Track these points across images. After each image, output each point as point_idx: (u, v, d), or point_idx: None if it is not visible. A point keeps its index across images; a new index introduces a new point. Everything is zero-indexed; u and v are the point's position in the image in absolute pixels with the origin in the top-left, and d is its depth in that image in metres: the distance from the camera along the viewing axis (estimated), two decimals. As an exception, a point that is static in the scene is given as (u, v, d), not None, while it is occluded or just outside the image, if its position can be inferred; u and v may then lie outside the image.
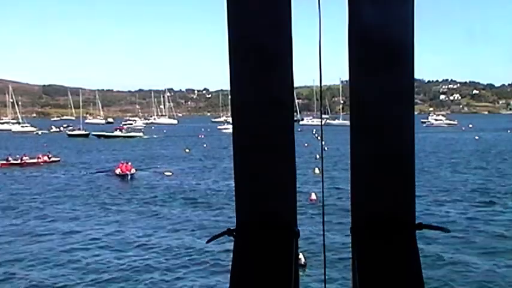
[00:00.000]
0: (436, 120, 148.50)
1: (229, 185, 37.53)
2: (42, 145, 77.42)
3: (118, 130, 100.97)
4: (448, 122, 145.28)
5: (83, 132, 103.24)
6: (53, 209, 30.84)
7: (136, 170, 44.20)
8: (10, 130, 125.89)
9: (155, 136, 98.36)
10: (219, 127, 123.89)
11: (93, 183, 40.29)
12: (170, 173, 44.96)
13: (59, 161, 53.49)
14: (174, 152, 66.57)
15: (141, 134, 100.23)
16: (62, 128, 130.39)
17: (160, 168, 48.65)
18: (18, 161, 51.18)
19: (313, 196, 29.23)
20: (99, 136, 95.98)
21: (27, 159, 51.69)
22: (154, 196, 34.40)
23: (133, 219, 28.01)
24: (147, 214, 29.13)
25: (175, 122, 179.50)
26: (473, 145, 72.93)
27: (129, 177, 41.55)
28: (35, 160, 51.69)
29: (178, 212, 29.69)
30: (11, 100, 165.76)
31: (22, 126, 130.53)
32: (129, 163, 44.44)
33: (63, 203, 32.53)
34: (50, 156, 53.88)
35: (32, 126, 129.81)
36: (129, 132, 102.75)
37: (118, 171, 42.44)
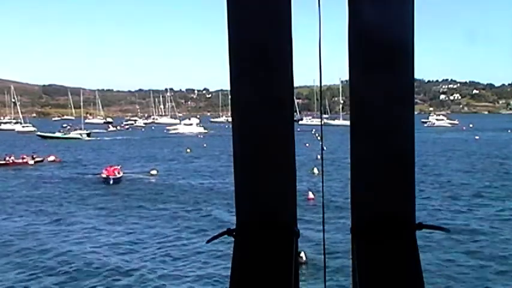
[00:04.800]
0: (437, 120, 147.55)
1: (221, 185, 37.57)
2: (43, 145, 77.56)
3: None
4: (449, 121, 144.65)
5: (84, 132, 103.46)
6: (16, 210, 30.54)
7: (124, 173, 42.49)
8: (13, 130, 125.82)
9: (106, 138, 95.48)
10: (167, 127, 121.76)
11: (71, 186, 39.26)
12: (155, 172, 45.02)
13: (42, 160, 54.09)
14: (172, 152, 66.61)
15: (84, 136, 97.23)
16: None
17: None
18: (2, 161, 51.92)
19: (311, 195, 29.26)
20: (43, 137, 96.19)
21: (9, 160, 52.30)
22: (134, 199, 33.49)
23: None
24: (131, 215, 28.64)
25: (177, 121, 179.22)
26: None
27: (111, 181, 39.33)
28: (20, 160, 52.51)
29: (170, 212, 29.37)
30: (13, 100, 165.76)
31: (23, 126, 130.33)
32: (116, 166, 42.85)
33: (28, 205, 31.96)
34: (34, 156, 54.48)
35: (33, 126, 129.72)
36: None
37: (104, 174, 40.56)
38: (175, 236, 24.29)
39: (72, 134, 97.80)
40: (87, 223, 27.01)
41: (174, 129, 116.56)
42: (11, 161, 51.93)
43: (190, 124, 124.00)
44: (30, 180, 42.48)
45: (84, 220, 27.75)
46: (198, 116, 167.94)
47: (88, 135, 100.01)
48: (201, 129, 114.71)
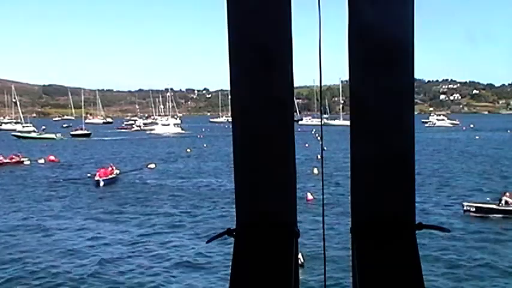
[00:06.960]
0: (438, 120, 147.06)
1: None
2: (43, 145, 77.53)
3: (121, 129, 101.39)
4: (450, 122, 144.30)
5: (85, 132, 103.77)
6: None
7: (118, 174, 41.23)
8: (15, 130, 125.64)
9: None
10: (143, 128, 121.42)
11: (51, 187, 38.33)
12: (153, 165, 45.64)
13: (29, 160, 54.43)
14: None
15: (58, 135, 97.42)
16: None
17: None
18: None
19: (310, 196, 29.14)
20: (19, 137, 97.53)
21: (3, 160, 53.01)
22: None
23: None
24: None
25: (178, 122, 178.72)
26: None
27: (101, 183, 37.90)
28: (7, 160, 53.28)
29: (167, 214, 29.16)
30: (13, 100, 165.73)
31: (24, 126, 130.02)
32: (109, 167, 41.70)
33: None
34: (19, 155, 55.34)
35: (33, 126, 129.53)
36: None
37: (97, 176, 39.04)
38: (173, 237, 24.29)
39: (47, 135, 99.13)
40: (70, 227, 26.44)
41: (151, 129, 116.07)
42: (2, 161, 52.38)
43: (168, 124, 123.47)
44: (14, 181, 42.15)
45: (66, 224, 27.06)
46: (176, 117, 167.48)
47: (88, 135, 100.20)
48: (179, 130, 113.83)
